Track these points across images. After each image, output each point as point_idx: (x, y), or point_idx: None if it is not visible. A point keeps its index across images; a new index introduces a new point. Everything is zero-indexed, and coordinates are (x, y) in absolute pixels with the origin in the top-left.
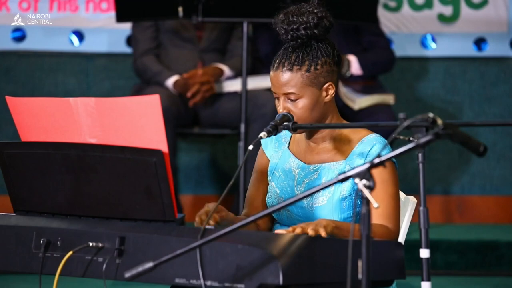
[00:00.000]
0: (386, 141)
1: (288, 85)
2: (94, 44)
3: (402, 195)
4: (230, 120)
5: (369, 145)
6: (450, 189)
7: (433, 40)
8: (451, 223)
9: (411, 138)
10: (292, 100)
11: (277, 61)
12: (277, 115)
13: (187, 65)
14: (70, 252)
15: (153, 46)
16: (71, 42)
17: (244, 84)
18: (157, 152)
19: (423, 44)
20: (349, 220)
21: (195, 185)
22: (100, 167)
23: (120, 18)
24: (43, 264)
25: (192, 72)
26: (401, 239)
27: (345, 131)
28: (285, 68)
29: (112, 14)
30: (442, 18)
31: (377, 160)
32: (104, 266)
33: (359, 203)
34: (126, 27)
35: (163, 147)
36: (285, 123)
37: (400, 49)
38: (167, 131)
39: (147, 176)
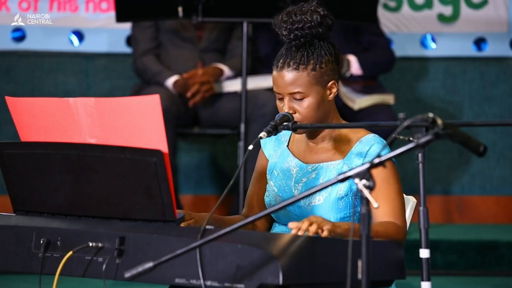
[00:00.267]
0: (384, 141)
1: (294, 84)
2: (94, 44)
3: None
4: (230, 120)
5: (367, 145)
6: (450, 189)
7: (433, 40)
8: (451, 223)
9: (411, 138)
10: (297, 100)
11: (281, 61)
12: (277, 115)
13: (187, 65)
14: (70, 252)
15: (153, 46)
16: (71, 42)
17: (244, 84)
18: (157, 152)
19: (423, 44)
20: (346, 219)
21: (195, 185)
22: (100, 167)
23: (120, 18)
24: (43, 264)
25: (192, 72)
26: None
27: (344, 131)
28: (290, 68)
29: (112, 14)
30: (442, 18)
31: (377, 160)
32: (104, 266)
33: (358, 203)
34: (126, 27)
35: (163, 147)
36: (285, 123)
37: (400, 49)
38: (167, 131)
39: (147, 176)
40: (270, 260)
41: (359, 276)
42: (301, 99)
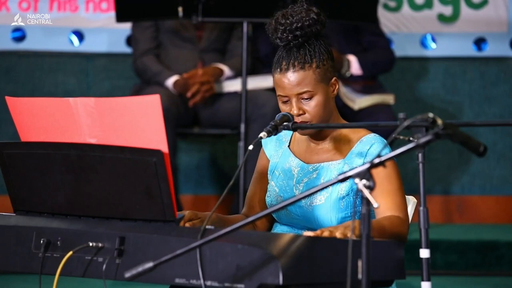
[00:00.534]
0: (385, 140)
1: (302, 84)
2: (94, 44)
3: None
4: (230, 120)
5: (367, 144)
6: (450, 189)
7: (433, 40)
8: (451, 223)
9: (411, 138)
10: (305, 100)
11: (284, 63)
12: (277, 115)
13: (187, 65)
14: (70, 252)
15: (153, 46)
16: (71, 42)
17: (244, 84)
18: (157, 152)
19: (423, 44)
20: (348, 219)
21: (195, 185)
22: (100, 167)
23: (120, 18)
24: (43, 264)
25: (192, 72)
26: None
27: (344, 131)
28: (296, 68)
29: (112, 14)
30: (442, 18)
31: (377, 160)
32: (104, 266)
33: (358, 203)
34: (126, 27)
35: (163, 147)
36: (285, 123)
37: (400, 49)
38: (167, 131)
39: (147, 176)
40: (270, 260)
41: (359, 276)
42: (309, 98)
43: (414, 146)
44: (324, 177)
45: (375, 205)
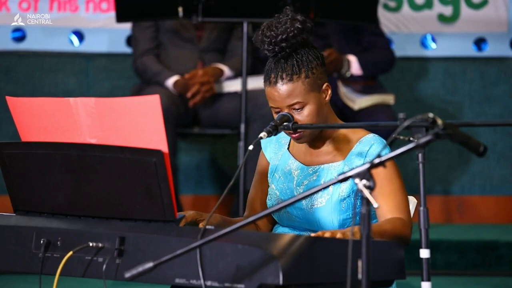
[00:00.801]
0: (384, 141)
1: (292, 95)
2: (94, 44)
3: None
4: (230, 120)
5: (367, 145)
6: (450, 189)
7: (433, 40)
8: (451, 223)
9: (411, 138)
10: (297, 110)
11: (273, 75)
12: (277, 115)
13: (187, 65)
14: (70, 252)
15: (153, 46)
16: (71, 42)
17: (244, 84)
18: (157, 152)
19: (423, 44)
20: (349, 221)
21: (195, 185)
22: (100, 167)
23: (120, 18)
24: (43, 264)
25: (192, 73)
26: None
27: (343, 132)
28: (284, 80)
29: (112, 14)
30: (442, 18)
31: (377, 161)
32: (104, 266)
33: (359, 204)
34: (126, 27)
35: (163, 147)
36: (285, 123)
37: (400, 49)
38: (167, 131)
39: (147, 176)
40: (270, 260)
41: (359, 276)
42: (300, 109)
43: (414, 146)
44: (325, 179)
45: (375, 205)
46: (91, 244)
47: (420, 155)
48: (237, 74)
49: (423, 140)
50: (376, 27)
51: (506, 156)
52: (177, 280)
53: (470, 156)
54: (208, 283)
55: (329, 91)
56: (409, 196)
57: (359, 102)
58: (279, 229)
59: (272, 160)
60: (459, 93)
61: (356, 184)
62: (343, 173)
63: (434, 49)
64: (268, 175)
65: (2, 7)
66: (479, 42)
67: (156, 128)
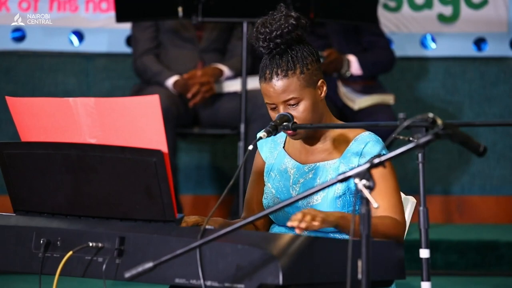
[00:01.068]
0: (379, 139)
1: (287, 91)
2: (94, 44)
3: (402, 195)
4: (230, 120)
5: (362, 143)
6: (450, 189)
7: (433, 40)
8: (451, 223)
9: (411, 138)
10: (292, 106)
11: (268, 72)
12: (276, 115)
13: (187, 65)
14: (70, 252)
15: (153, 46)
16: (71, 42)
17: (244, 84)
18: (157, 152)
19: (423, 44)
20: None
21: (195, 185)
22: (100, 167)
23: (120, 18)
24: (43, 264)
25: (192, 73)
26: None
27: (339, 130)
28: (279, 76)
29: (112, 14)
30: (442, 18)
31: (376, 160)
32: (104, 266)
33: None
34: (126, 27)
35: (163, 147)
36: (284, 123)
37: (400, 49)
38: (167, 131)
39: (147, 176)
40: (270, 260)
41: (359, 276)
42: (296, 104)
43: (414, 146)
44: (320, 176)
45: (374, 205)
46: (91, 244)
47: (420, 155)
48: (237, 74)
49: (423, 140)
50: (376, 27)
51: (506, 156)
52: (177, 280)
53: (470, 156)
54: (208, 283)
55: (325, 88)
56: (408, 196)
57: (359, 102)
58: (275, 229)
59: (268, 159)
60: (459, 93)
61: (356, 184)
62: (343, 173)
63: (434, 49)
64: (264, 174)
65: (2, 7)
66: (479, 42)
67: (155, 128)
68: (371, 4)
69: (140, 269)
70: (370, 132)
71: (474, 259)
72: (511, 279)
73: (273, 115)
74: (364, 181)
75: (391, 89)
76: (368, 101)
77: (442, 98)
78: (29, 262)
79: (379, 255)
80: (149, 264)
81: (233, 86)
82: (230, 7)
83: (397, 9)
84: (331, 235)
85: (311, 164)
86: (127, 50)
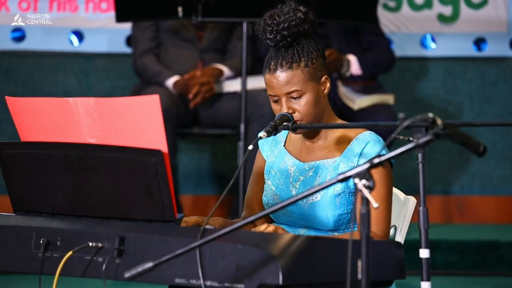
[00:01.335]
0: (380, 138)
1: (290, 83)
2: (94, 44)
3: (402, 195)
4: (230, 120)
5: (363, 142)
6: (450, 189)
7: (433, 40)
8: (451, 223)
9: (410, 138)
10: (295, 99)
11: (272, 63)
12: (276, 115)
13: (187, 65)
14: (70, 252)
15: (153, 46)
16: (71, 42)
17: (244, 84)
18: (157, 152)
19: (423, 44)
20: (344, 216)
21: (195, 185)
22: (100, 167)
23: (120, 18)
24: (43, 264)
25: (191, 73)
26: (401, 239)
27: (340, 129)
28: (284, 68)
29: (112, 14)
30: (442, 18)
31: (376, 160)
32: (104, 266)
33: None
34: (126, 27)
35: (163, 147)
36: (285, 123)
37: (400, 49)
38: (167, 131)
39: (147, 176)
40: (270, 260)
41: (359, 276)
42: (298, 97)
43: (414, 146)
44: (320, 174)
45: (374, 205)
46: (90, 244)
47: (420, 155)
48: (237, 74)
49: (423, 140)
50: (376, 27)
51: (506, 156)
52: (177, 280)
53: (470, 156)
54: (208, 283)
55: (328, 84)
56: (408, 196)
57: (359, 102)
58: None
59: (269, 157)
60: (459, 93)
61: (355, 184)
62: (343, 173)
63: (434, 49)
64: (265, 172)
65: (2, 7)
66: (479, 42)
67: (155, 128)
68: (371, 4)
69: (140, 269)
70: (371, 132)
71: (474, 259)
72: (511, 279)
73: (275, 108)
74: (364, 181)
75: (391, 89)
76: (368, 101)
77: (442, 98)
78: (29, 262)
79: (379, 255)
80: (149, 264)
81: (233, 86)
82: (230, 7)
83: (397, 9)
84: (330, 233)
85: (311, 162)
86: (127, 50)
